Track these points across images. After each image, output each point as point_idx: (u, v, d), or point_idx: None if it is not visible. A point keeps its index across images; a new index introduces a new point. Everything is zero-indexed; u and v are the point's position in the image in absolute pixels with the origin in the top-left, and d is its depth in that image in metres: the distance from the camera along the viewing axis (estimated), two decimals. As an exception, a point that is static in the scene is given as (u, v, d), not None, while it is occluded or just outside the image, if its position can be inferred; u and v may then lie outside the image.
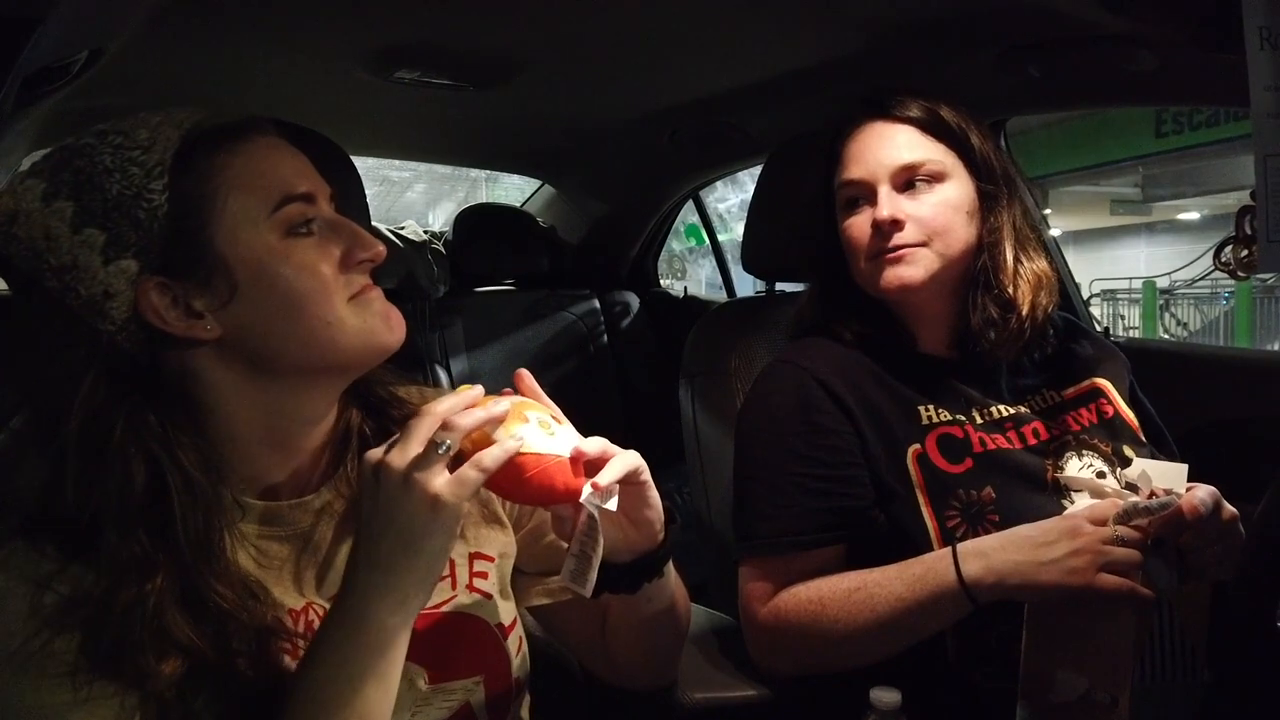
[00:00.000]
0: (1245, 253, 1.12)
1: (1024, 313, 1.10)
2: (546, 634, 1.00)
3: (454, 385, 2.38)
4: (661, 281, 3.10)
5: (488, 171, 4.73)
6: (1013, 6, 1.24)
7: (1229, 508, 0.94)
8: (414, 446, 0.68)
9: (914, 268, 1.09)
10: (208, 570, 0.70)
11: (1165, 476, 0.96)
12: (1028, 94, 1.53)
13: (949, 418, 1.10)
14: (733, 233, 3.98)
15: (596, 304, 2.71)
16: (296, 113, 1.10)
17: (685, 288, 2.98)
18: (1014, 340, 1.11)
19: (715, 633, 1.23)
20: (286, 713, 0.68)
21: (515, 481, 0.72)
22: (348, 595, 0.69)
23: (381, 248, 0.78)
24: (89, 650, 0.67)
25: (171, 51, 1.49)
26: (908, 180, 1.10)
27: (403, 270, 2.48)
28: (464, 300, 2.60)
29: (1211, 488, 0.93)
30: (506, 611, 0.89)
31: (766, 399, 1.15)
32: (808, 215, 1.23)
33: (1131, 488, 1.00)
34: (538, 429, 0.74)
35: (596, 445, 0.76)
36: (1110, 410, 1.16)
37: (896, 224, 1.08)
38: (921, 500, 1.05)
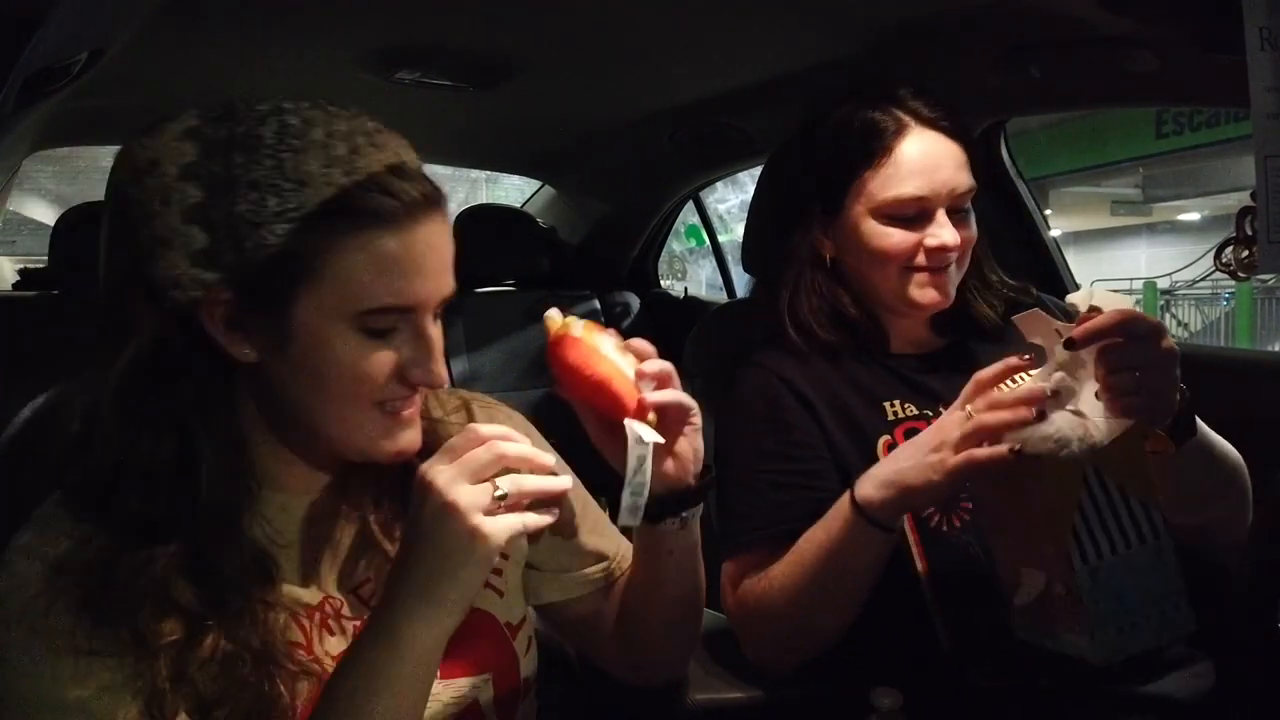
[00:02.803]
0: (1246, 253, 1.12)
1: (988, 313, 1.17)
2: (556, 635, 1.00)
3: (454, 386, 2.38)
4: (662, 282, 3.09)
5: (488, 172, 4.73)
6: (1013, 7, 1.24)
7: (1169, 341, 0.88)
8: (469, 481, 0.67)
9: (947, 289, 1.11)
10: (221, 543, 0.71)
11: (1109, 300, 0.87)
12: (1028, 94, 1.53)
13: (915, 413, 1.11)
14: (733, 233, 3.98)
15: (597, 304, 2.71)
16: (296, 113, 1.10)
17: (685, 288, 2.97)
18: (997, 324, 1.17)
19: (715, 634, 1.22)
20: (318, 715, 0.68)
21: (578, 375, 0.79)
22: (384, 609, 0.70)
23: (442, 381, 0.74)
24: (89, 613, 0.67)
25: (171, 52, 1.49)
26: (955, 206, 1.09)
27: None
28: (464, 301, 2.59)
29: (1157, 320, 0.89)
30: (517, 611, 0.89)
31: (736, 402, 1.16)
32: (782, 218, 1.22)
33: (1072, 309, 0.90)
34: (609, 340, 0.81)
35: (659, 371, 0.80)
36: None
37: (952, 253, 1.09)
38: None
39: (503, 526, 0.67)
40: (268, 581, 0.74)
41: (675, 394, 0.80)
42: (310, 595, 0.78)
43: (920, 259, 1.09)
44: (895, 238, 1.09)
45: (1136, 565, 0.85)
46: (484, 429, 0.70)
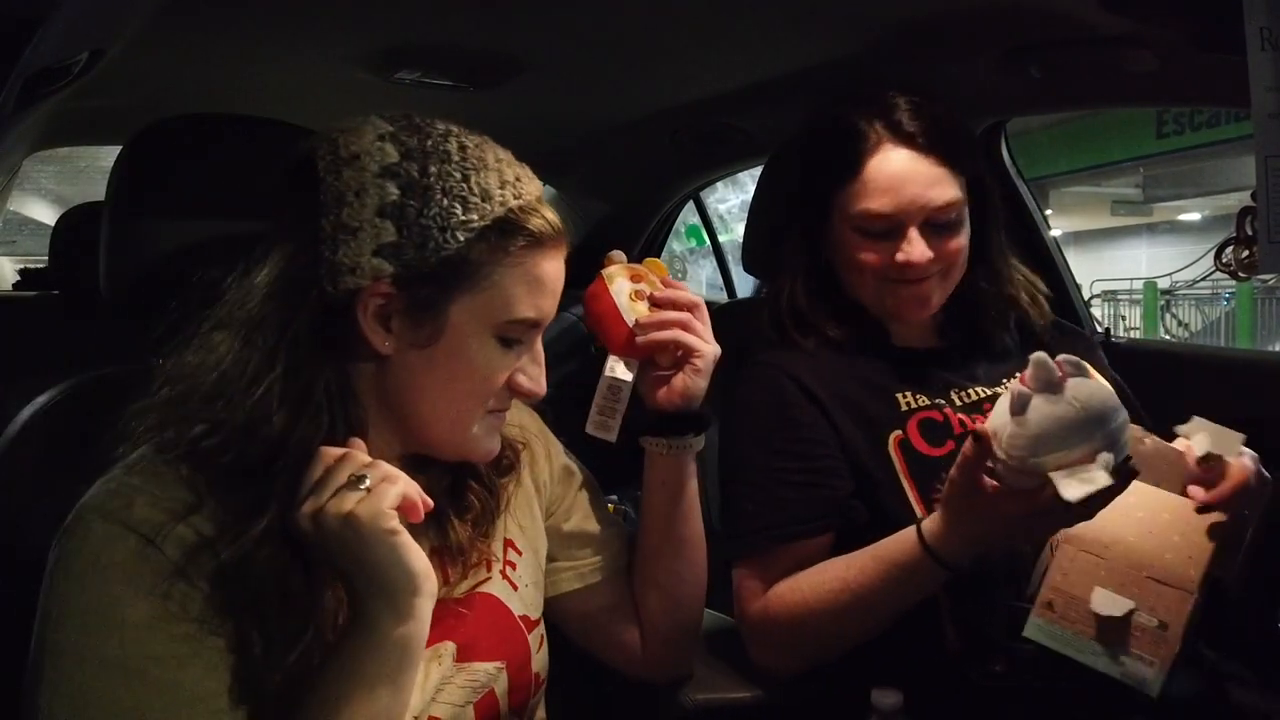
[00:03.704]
0: (1246, 253, 1.12)
1: (1004, 336, 1.19)
2: (573, 632, 1.01)
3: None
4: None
5: (488, 172, 4.71)
6: (1013, 7, 1.24)
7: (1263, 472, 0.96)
8: (327, 493, 0.69)
9: (928, 299, 1.11)
10: None
11: (1222, 443, 0.93)
12: (1028, 94, 1.53)
13: (927, 402, 1.12)
14: (733, 233, 3.98)
15: (597, 304, 2.71)
16: (297, 113, 1.10)
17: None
18: (993, 362, 1.18)
19: (716, 634, 1.22)
20: (303, 709, 0.69)
21: (585, 306, 0.94)
22: (353, 607, 0.72)
23: (543, 392, 0.82)
24: (217, 597, 0.69)
25: (171, 51, 1.48)
26: (933, 220, 1.09)
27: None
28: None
29: (1264, 475, 0.95)
30: (533, 605, 0.92)
31: (743, 401, 1.16)
32: (785, 215, 1.23)
33: (1186, 452, 0.96)
34: (627, 288, 0.94)
35: (656, 328, 0.92)
36: None
37: (926, 265, 1.08)
38: (906, 485, 1.06)
39: (377, 501, 0.69)
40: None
41: (664, 335, 0.92)
42: None
43: (893, 272, 1.10)
44: (866, 251, 1.10)
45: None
46: (331, 451, 0.72)
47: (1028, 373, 0.82)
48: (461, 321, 0.76)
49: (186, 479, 0.72)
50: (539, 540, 0.96)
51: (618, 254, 0.97)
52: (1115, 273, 13.42)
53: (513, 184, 0.77)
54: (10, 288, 2.31)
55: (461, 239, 0.73)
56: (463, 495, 0.87)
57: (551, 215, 0.79)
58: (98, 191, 1.23)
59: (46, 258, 2.13)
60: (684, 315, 0.93)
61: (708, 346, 0.95)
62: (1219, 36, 1.07)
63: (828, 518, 1.07)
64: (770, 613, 1.06)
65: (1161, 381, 1.48)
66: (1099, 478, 0.78)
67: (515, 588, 0.90)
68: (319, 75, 1.66)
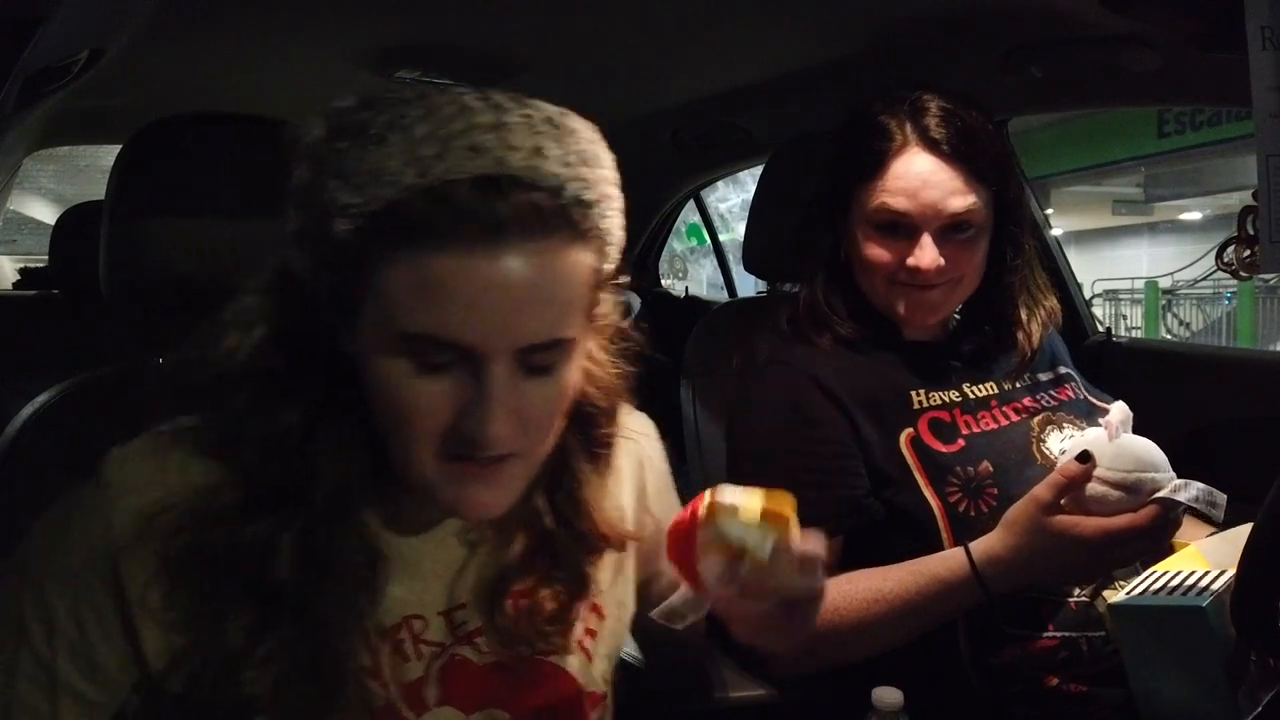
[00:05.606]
0: (1248, 253, 1.12)
1: (1026, 349, 1.17)
2: None
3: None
4: (663, 281, 3.10)
5: (489, 171, 4.73)
6: (1015, 7, 1.24)
7: None
8: None
9: (936, 306, 1.12)
10: (333, 526, 0.66)
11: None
12: (1030, 94, 1.53)
13: (939, 401, 1.12)
14: (734, 232, 3.99)
15: (597, 304, 2.71)
16: (297, 113, 1.10)
17: (686, 288, 2.98)
18: (1003, 357, 1.18)
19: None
20: None
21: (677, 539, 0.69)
22: None
23: (486, 443, 0.62)
24: (169, 570, 0.64)
25: (172, 51, 1.49)
26: (950, 226, 1.08)
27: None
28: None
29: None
30: (602, 678, 0.80)
31: (758, 400, 1.16)
32: (809, 211, 1.22)
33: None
34: (719, 563, 0.67)
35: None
36: (1081, 394, 1.21)
37: (935, 272, 1.08)
38: (921, 482, 1.06)
39: None
40: (369, 586, 0.68)
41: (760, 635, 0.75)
42: (395, 611, 0.71)
43: (902, 275, 1.10)
44: (878, 249, 1.10)
45: None
46: None
47: (1116, 416, 0.94)
48: (369, 332, 0.62)
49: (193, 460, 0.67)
50: (628, 602, 0.83)
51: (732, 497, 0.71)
52: (1116, 272, 13.41)
53: (423, 162, 0.58)
54: (10, 287, 2.31)
55: (347, 227, 0.59)
56: (537, 588, 0.74)
57: (481, 201, 0.58)
58: (98, 191, 1.23)
59: (46, 257, 2.13)
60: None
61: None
62: (1220, 35, 1.07)
63: (844, 518, 1.07)
64: None
65: (1163, 381, 1.48)
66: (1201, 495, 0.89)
67: (590, 659, 0.78)
68: (319, 74, 1.67)
